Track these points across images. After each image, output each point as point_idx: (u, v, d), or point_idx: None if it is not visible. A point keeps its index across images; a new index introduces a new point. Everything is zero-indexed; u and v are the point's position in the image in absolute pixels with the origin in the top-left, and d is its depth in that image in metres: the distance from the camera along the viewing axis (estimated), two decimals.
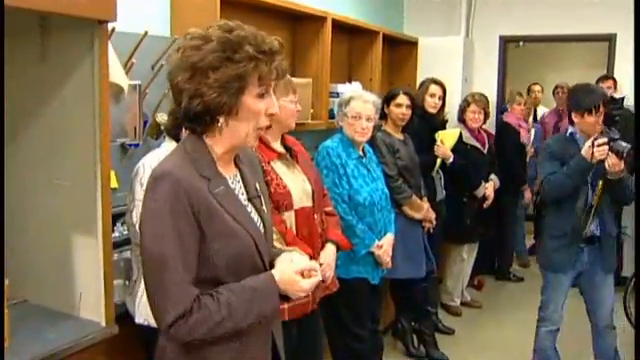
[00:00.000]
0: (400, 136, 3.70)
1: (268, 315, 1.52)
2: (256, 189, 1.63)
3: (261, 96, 1.47)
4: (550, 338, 3.41)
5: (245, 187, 1.60)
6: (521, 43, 6.94)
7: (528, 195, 5.53)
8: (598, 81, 5.55)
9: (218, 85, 1.40)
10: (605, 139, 2.96)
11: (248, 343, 1.53)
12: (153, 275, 1.42)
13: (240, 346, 1.51)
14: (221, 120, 1.46)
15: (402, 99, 3.65)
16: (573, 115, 3.15)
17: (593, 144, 2.96)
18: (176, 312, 1.38)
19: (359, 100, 3.07)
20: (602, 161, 2.96)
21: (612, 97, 4.72)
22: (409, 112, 3.67)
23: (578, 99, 3.15)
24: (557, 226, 3.22)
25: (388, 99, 3.71)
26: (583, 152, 3.00)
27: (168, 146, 2.28)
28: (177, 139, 2.27)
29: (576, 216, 3.13)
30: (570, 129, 3.22)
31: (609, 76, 5.60)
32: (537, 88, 6.79)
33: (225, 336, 1.45)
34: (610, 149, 2.94)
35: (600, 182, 3.06)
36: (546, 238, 3.33)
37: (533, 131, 5.81)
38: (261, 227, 1.58)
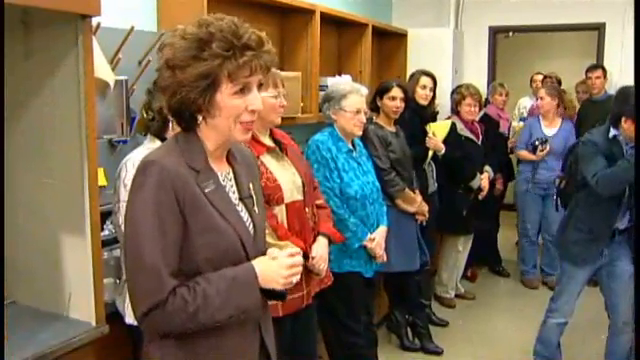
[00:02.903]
0: (392, 128, 3.68)
1: (248, 308, 1.47)
2: (249, 189, 1.60)
3: (240, 92, 1.43)
4: (557, 331, 3.39)
5: (237, 186, 1.57)
6: (510, 33, 6.95)
7: (499, 185, 5.26)
8: (587, 71, 5.56)
9: (187, 83, 1.39)
10: None
11: (232, 338, 1.49)
12: (132, 264, 1.41)
13: (223, 341, 1.48)
14: (199, 118, 1.45)
15: (396, 92, 3.61)
16: (624, 120, 2.99)
17: None
18: (150, 302, 1.37)
19: (357, 94, 3.04)
20: None
21: None
22: (402, 105, 3.63)
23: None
24: (585, 220, 3.18)
25: (381, 92, 3.66)
26: None
27: (150, 145, 2.26)
28: (161, 138, 2.25)
29: (609, 215, 3.08)
30: (613, 132, 3.08)
31: (598, 65, 5.59)
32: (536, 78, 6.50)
33: (206, 330, 1.43)
34: None
35: None
36: (570, 229, 3.26)
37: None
38: (251, 227, 1.55)
